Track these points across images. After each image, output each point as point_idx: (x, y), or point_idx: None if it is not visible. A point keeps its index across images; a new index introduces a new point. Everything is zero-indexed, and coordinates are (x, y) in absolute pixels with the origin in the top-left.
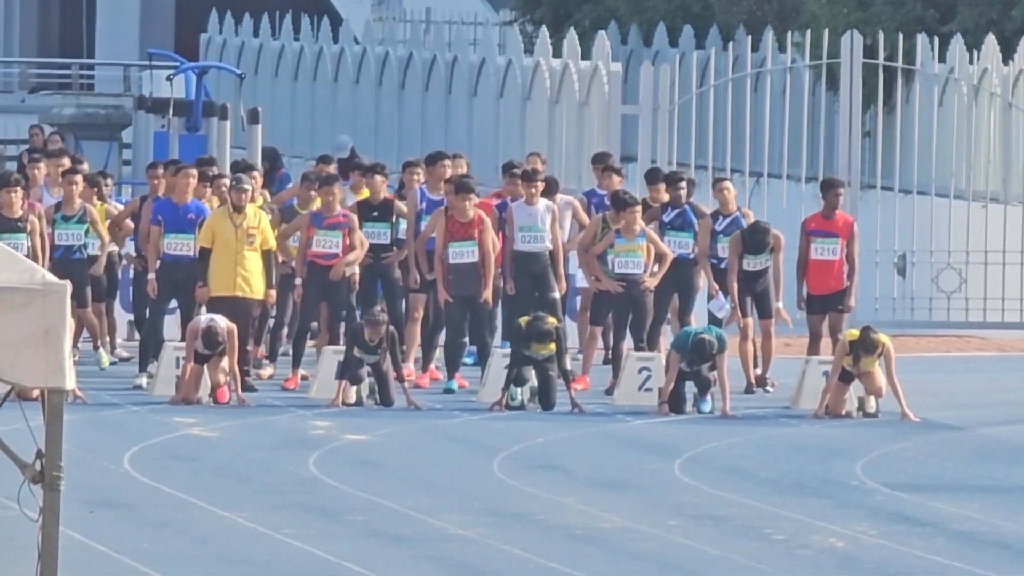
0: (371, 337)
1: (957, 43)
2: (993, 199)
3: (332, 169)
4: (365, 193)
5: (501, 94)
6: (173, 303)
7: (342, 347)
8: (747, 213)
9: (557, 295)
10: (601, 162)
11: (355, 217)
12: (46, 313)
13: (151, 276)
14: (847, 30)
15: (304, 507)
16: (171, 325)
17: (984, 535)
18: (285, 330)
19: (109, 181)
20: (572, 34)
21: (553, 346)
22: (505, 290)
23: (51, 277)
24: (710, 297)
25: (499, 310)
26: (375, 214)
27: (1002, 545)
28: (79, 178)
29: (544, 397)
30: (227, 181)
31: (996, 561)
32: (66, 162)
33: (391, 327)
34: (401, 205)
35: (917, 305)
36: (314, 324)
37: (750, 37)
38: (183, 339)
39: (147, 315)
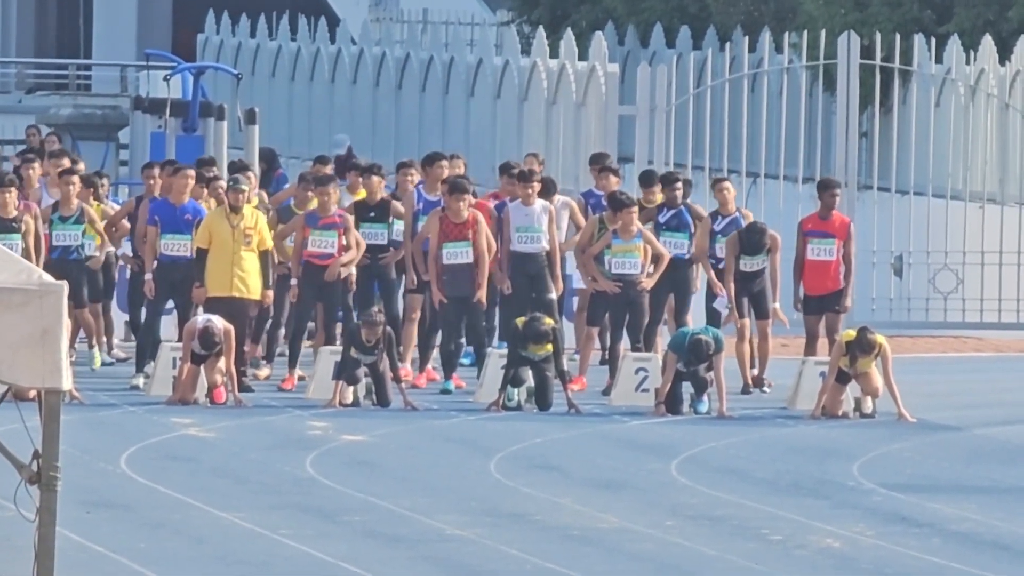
0: (368, 338)
1: (954, 44)
2: (990, 200)
3: (329, 170)
4: (362, 194)
5: (498, 95)
6: (170, 303)
7: (339, 348)
8: (746, 214)
9: (554, 296)
10: (598, 163)
11: (350, 217)
12: (43, 313)
13: (148, 276)
14: (844, 31)
15: (301, 507)
16: (168, 325)
17: (981, 535)
18: (282, 331)
19: (105, 181)
20: (569, 35)
21: (550, 347)
22: (502, 290)
23: (48, 277)
24: (715, 296)
25: (496, 311)
26: (372, 215)
27: (999, 546)
28: (76, 178)
29: (541, 398)
30: (224, 183)
31: (993, 562)
32: (65, 162)
33: (388, 328)
34: (398, 206)
35: (914, 306)
36: (311, 324)
37: (747, 38)
38: (180, 339)
39: (143, 315)
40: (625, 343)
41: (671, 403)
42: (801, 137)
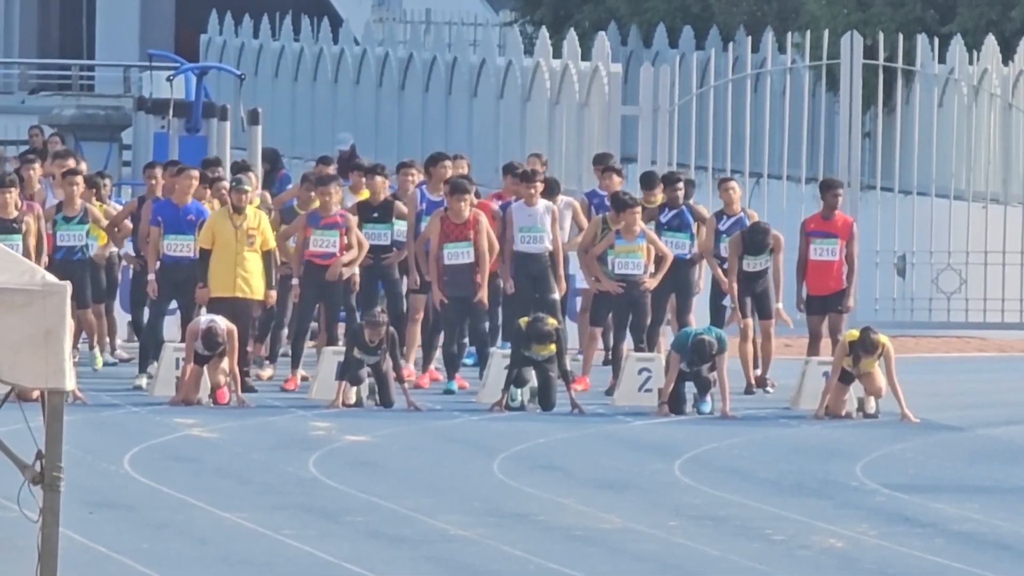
0: (371, 338)
1: (957, 44)
2: (993, 200)
3: (332, 170)
4: (365, 194)
5: (501, 95)
6: (173, 304)
7: (342, 348)
8: (751, 214)
9: (557, 296)
10: (602, 163)
11: (352, 217)
12: (46, 314)
13: (151, 277)
14: (847, 31)
15: (304, 508)
16: (171, 326)
17: (984, 536)
18: (285, 331)
19: (107, 182)
20: (572, 35)
21: (553, 347)
22: (504, 290)
23: (51, 278)
24: (722, 295)
25: (499, 311)
26: (375, 215)
27: (1002, 546)
28: (80, 179)
29: (544, 398)
30: (227, 183)
31: (996, 562)
32: (70, 163)
33: (391, 328)
34: (401, 206)
35: (917, 306)
36: (314, 324)
37: (750, 38)
38: (183, 340)
39: (146, 316)
40: (628, 343)
41: (674, 403)
42: (804, 137)
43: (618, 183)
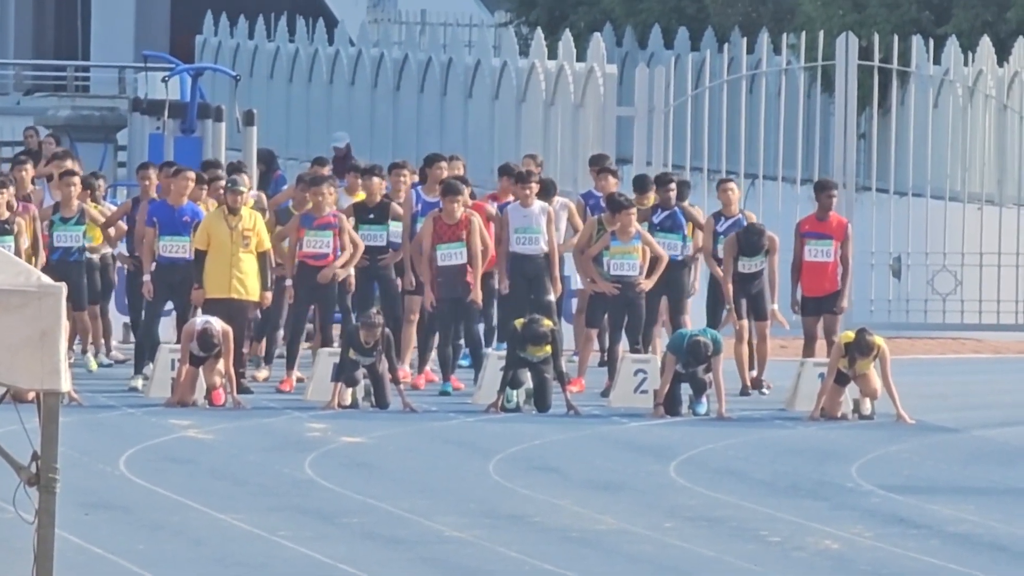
0: (367, 339)
1: (952, 45)
2: (988, 201)
3: (327, 171)
4: (361, 196)
5: (496, 96)
6: (169, 305)
7: (338, 349)
8: (749, 216)
9: (553, 297)
10: (598, 164)
11: (345, 217)
12: (42, 315)
13: (146, 278)
14: (842, 32)
15: (300, 509)
16: (167, 327)
17: (980, 537)
18: (280, 332)
19: (101, 183)
20: (567, 36)
21: (549, 348)
22: (499, 291)
23: (47, 279)
24: (721, 296)
25: (494, 311)
26: (371, 216)
27: (997, 547)
28: (77, 179)
29: (540, 399)
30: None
31: (991, 563)
32: (67, 164)
33: (387, 329)
34: (397, 207)
35: (912, 307)
36: (309, 326)
37: (745, 39)
38: (178, 341)
39: (142, 317)
40: (624, 345)
41: (670, 405)
42: (799, 138)
43: (614, 184)
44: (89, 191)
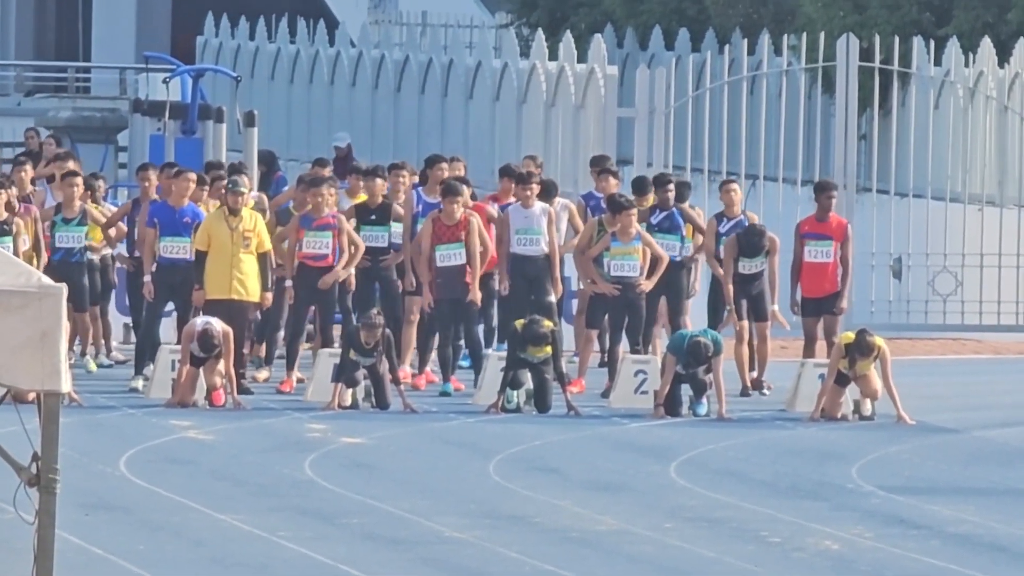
0: (367, 340)
1: (953, 46)
2: (989, 202)
3: (328, 172)
4: (362, 197)
5: (497, 97)
6: (169, 306)
7: (338, 350)
8: (751, 217)
9: (553, 298)
10: (598, 165)
11: (344, 218)
12: (42, 316)
13: (147, 279)
14: (843, 33)
15: (300, 510)
16: (167, 328)
17: (980, 538)
18: (281, 333)
19: (101, 183)
20: (568, 37)
21: (549, 349)
22: (500, 292)
23: (47, 280)
24: (720, 299)
25: (495, 312)
26: (373, 217)
27: (997, 548)
28: (79, 180)
29: (540, 400)
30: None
31: (991, 564)
32: (70, 165)
33: (387, 330)
34: (399, 208)
35: (913, 308)
36: (309, 327)
37: (746, 40)
38: (179, 342)
39: (143, 317)
40: (624, 345)
41: (670, 405)
42: (800, 139)
43: (614, 185)
44: (89, 192)
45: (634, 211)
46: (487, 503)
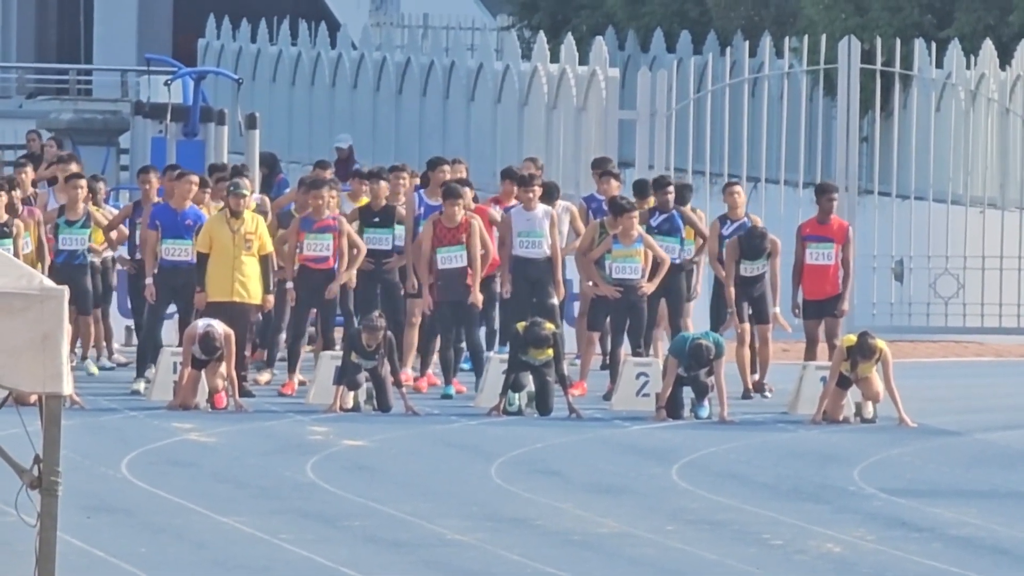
0: (369, 342)
1: (954, 48)
2: (990, 204)
3: (329, 174)
4: (364, 200)
5: (499, 99)
6: (171, 308)
7: (340, 352)
8: (755, 219)
9: (556, 300)
10: (600, 167)
11: (344, 220)
12: (44, 318)
13: (148, 281)
14: (844, 35)
15: (302, 512)
16: (169, 330)
17: (982, 540)
18: (283, 335)
19: (101, 186)
20: (570, 39)
21: (550, 351)
22: (501, 294)
23: (49, 282)
24: (722, 300)
25: (496, 314)
26: (376, 220)
27: (999, 550)
28: (83, 183)
29: (542, 402)
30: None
31: (993, 566)
32: (73, 167)
33: (388, 332)
34: (403, 211)
35: (915, 310)
36: (311, 329)
37: (748, 42)
38: (180, 344)
39: (145, 320)
40: (626, 348)
41: (672, 408)
42: (802, 142)
43: (616, 187)
44: (90, 194)
45: (636, 213)
46: (489, 506)
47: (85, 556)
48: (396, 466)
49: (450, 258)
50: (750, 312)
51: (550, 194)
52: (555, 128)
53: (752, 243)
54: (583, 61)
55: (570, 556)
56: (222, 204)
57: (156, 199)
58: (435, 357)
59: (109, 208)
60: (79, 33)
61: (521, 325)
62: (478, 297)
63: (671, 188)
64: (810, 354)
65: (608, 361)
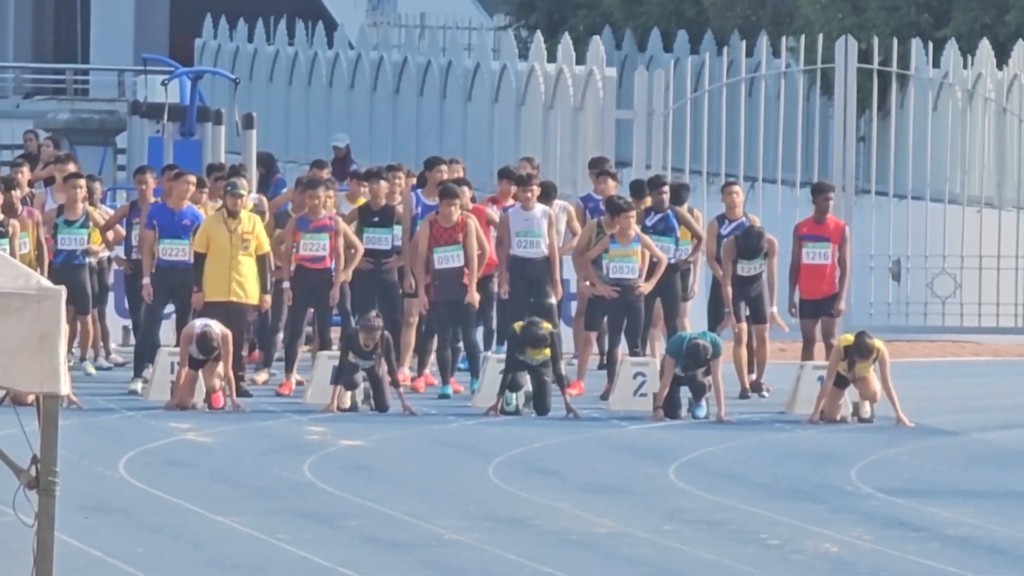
0: (366, 342)
1: (951, 48)
2: (987, 204)
3: (326, 174)
4: (361, 201)
5: (496, 99)
6: (169, 308)
7: (337, 352)
8: (753, 219)
9: (553, 300)
10: (597, 167)
11: (341, 220)
12: (41, 318)
13: (146, 281)
14: (841, 35)
15: (299, 512)
16: (166, 330)
17: (979, 540)
18: (280, 335)
19: (98, 186)
20: (566, 39)
21: (548, 351)
22: (499, 294)
23: (46, 282)
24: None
25: (494, 314)
26: (376, 219)
27: (996, 550)
28: (82, 183)
29: (539, 402)
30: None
31: (990, 566)
32: (71, 167)
33: (386, 332)
34: (401, 210)
35: (912, 310)
36: (308, 329)
37: (744, 42)
38: (178, 344)
39: (142, 319)
40: (623, 348)
41: (669, 408)
42: (799, 141)
43: (613, 187)
44: (87, 194)
45: (633, 213)
46: (486, 505)
47: (83, 556)
48: (393, 466)
49: (447, 258)
50: (747, 312)
51: (548, 194)
52: (552, 128)
53: (749, 243)
54: (580, 61)
55: (567, 556)
56: (219, 204)
57: (153, 199)
58: (432, 357)
59: (105, 208)
60: (76, 33)
61: (518, 325)
62: (475, 297)
63: (666, 188)
64: (807, 354)
65: (605, 361)
